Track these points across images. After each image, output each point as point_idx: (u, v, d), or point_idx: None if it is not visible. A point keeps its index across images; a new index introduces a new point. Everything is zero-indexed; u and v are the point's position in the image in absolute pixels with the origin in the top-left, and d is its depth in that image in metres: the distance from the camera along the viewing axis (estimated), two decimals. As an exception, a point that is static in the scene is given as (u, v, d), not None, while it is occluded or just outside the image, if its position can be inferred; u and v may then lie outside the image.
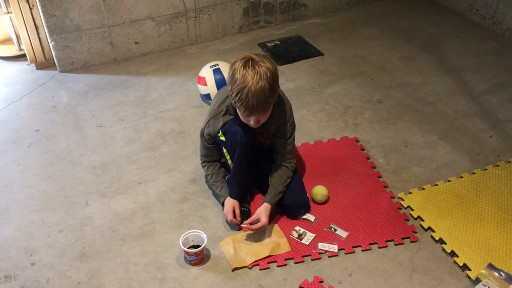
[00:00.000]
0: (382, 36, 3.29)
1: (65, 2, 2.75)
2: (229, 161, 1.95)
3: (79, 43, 2.92)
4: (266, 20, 3.40)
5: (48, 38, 2.86)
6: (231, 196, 1.94)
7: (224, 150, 1.94)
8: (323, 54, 3.11)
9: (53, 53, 2.92)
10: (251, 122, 1.77)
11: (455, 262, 1.79)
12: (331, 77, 2.89)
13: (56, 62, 2.96)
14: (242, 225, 1.89)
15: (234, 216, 1.90)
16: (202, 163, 2.04)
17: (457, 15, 3.52)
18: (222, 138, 1.89)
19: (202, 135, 1.96)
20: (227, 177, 2.00)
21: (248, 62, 1.66)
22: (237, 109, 1.77)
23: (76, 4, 2.78)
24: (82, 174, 2.23)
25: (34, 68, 3.01)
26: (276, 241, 1.86)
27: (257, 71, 1.64)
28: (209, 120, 1.90)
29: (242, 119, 1.80)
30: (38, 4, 2.72)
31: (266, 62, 1.68)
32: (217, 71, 2.54)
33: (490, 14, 3.28)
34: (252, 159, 1.92)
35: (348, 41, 3.25)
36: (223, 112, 1.88)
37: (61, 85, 2.86)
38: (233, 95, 1.68)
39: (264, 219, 1.85)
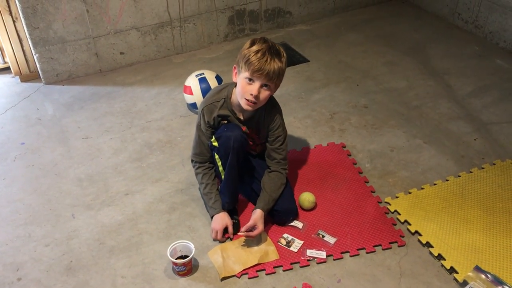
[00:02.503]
0: (367, 42, 3.32)
1: (48, 14, 2.74)
2: (221, 168, 1.94)
3: (64, 55, 2.91)
4: (252, 28, 3.41)
5: (32, 50, 2.85)
6: (223, 207, 1.93)
7: (216, 156, 1.92)
8: (308, 61, 3.13)
9: (38, 65, 2.90)
10: (253, 91, 1.75)
11: (442, 265, 1.80)
12: (317, 84, 2.90)
13: (40, 74, 2.94)
14: (239, 233, 1.88)
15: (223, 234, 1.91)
16: (196, 168, 1.99)
17: (440, 19, 3.56)
18: (215, 143, 1.89)
19: (198, 128, 1.94)
20: (219, 186, 1.99)
21: (268, 40, 1.79)
22: (242, 72, 1.77)
23: (59, 16, 2.77)
24: (68, 187, 2.21)
25: (19, 80, 2.99)
26: (265, 249, 1.86)
27: (275, 45, 1.79)
28: (202, 109, 1.90)
29: (241, 88, 1.78)
30: (21, 16, 2.71)
31: (282, 48, 1.82)
32: (202, 80, 2.54)
33: (472, 18, 3.33)
34: (244, 167, 1.92)
35: (333, 47, 3.27)
36: (220, 103, 1.88)
37: (46, 97, 2.84)
38: (249, 55, 1.73)
39: (261, 226, 1.86)
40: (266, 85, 1.78)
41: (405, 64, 3.07)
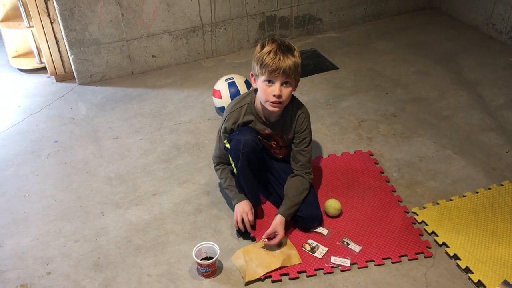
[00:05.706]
0: (397, 50, 3.30)
1: (85, 16, 2.82)
2: (235, 170, 1.97)
3: (98, 57, 2.98)
4: (282, 34, 3.43)
5: (68, 52, 2.93)
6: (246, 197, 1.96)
7: (230, 158, 1.96)
8: (338, 68, 3.13)
9: (73, 66, 2.98)
10: (275, 91, 1.77)
11: (469, 278, 1.77)
12: (346, 91, 2.89)
13: (75, 75, 3.02)
14: (261, 241, 1.88)
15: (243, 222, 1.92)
16: (215, 166, 2.06)
17: (473, 29, 3.51)
18: (227, 145, 1.93)
19: (219, 133, 1.99)
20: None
21: (276, 39, 1.81)
22: (260, 76, 1.80)
23: (95, 19, 2.85)
24: (99, 185, 2.26)
25: (54, 80, 3.08)
26: (287, 252, 1.86)
27: (284, 42, 1.81)
28: (227, 116, 1.94)
29: (263, 93, 1.81)
30: (59, 18, 2.80)
31: (292, 43, 1.83)
32: (232, 84, 2.57)
33: (507, 29, 3.26)
34: (259, 171, 1.94)
35: (363, 55, 3.26)
36: (244, 108, 1.92)
37: (80, 97, 2.92)
38: (262, 58, 1.76)
39: (281, 232, 1.86)
40: (286, 83, 1.80)
41: (436, 73, 3.03)
